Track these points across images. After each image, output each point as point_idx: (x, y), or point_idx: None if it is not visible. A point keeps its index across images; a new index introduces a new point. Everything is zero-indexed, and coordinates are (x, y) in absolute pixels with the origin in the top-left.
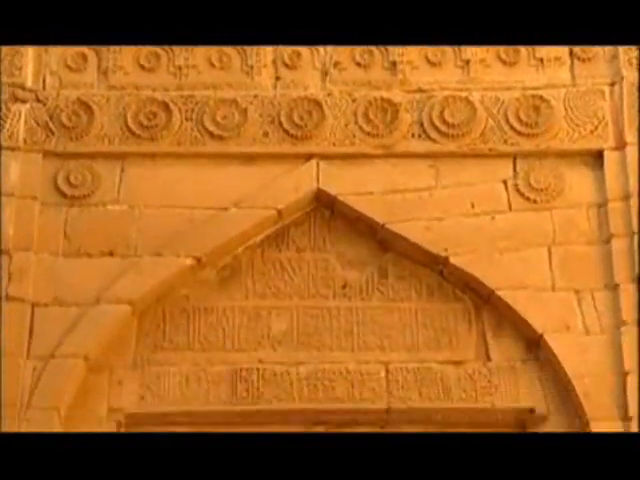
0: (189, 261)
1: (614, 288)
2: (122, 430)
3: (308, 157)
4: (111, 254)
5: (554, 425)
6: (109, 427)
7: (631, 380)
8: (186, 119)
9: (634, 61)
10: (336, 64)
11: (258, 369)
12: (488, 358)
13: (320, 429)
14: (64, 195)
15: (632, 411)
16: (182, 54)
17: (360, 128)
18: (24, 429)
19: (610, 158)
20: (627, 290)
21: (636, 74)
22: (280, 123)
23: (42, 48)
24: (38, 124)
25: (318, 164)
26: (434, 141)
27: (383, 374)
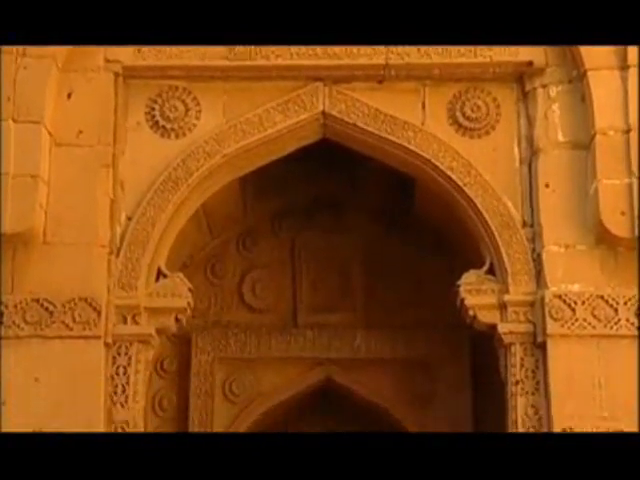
0: None
1: None
2: (119, 81)
3: None
4: None
5: (550, 77)
6: (107, 78)
7: None
8: None
9: None
10: None
11: None
12: None
13: (318, 85)
14: None
15: (629, 59)
16: None
17: None
18: (20, 75)
19: None
20: None
21: None
22: None
23: None
24: None
25: None
26: None
27: None
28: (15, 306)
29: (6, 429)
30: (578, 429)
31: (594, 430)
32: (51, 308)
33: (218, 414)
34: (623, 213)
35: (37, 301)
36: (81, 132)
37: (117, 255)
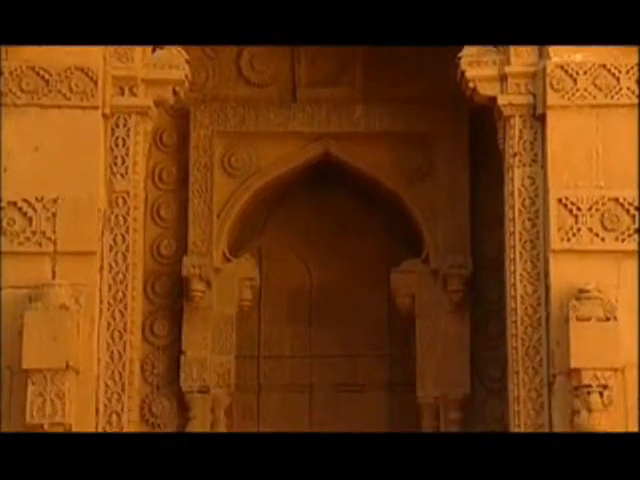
0: None
1: None
2: None
3: None
4: None
5: None
6: None
7: None
8: None
9: None
10: None
11: None
12: None
13: None
14: None
15: None
16: None
17: None
18: None
19: None
20: None
21: None
22: None
23: None
24: None
25: None
26: None
27: None
28: (10, 73)
29: (7, 198)
30: (574, 199)
31: (589, 198)
32: (47, 77)
33: (218, 187)
34: None
35: (33, 69)
36: None
37: None
